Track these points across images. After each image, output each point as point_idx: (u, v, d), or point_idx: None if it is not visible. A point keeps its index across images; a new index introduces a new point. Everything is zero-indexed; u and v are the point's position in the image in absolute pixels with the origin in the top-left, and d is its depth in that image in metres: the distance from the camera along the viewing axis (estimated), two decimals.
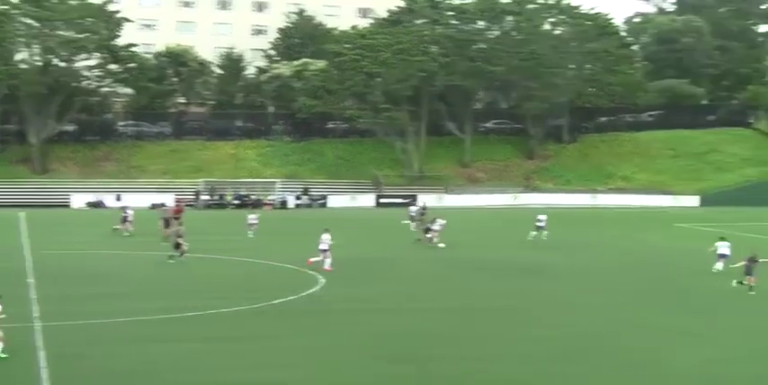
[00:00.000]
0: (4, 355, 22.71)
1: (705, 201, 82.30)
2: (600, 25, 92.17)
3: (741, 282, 34.49)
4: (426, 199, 79.91)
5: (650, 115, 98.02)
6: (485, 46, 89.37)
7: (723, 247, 39.95)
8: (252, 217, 52.97)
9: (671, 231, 60.74)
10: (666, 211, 76.07)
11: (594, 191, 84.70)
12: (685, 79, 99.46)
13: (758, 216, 71.07)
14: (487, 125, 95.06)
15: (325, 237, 38.85)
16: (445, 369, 23.13)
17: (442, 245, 47.29)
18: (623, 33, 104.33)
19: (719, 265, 39.49)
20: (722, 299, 34.01)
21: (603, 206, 79.75)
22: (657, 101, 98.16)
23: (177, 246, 40.26)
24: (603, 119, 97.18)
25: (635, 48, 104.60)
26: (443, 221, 49.02)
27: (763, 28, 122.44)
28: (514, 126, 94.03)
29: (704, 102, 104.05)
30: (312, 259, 38.67)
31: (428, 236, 48.24)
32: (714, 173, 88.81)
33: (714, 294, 35.00)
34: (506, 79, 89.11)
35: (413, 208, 60.13)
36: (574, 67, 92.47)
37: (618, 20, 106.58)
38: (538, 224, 51.87)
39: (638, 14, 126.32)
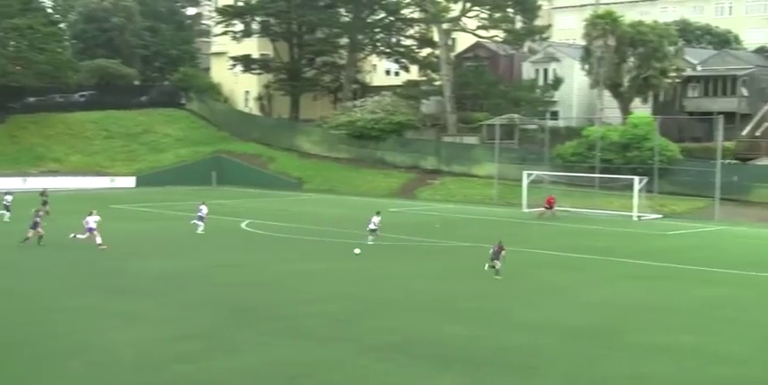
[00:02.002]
0: None
1: (141, 182, 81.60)
2: (23, 1, 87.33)
3: (493, 267, 34.57)
4: None
5: (82, 95, 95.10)
6: None
7: (371, 224, 43.25)
8: None
9: (107, 213, 58.83)
10: (103, 193, 74.18)
11: (25, 174, 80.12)
12: (117, 59, 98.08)
13: (191, 194, 71.97)
14: None
15: (93, 218, 40.05)
16: None
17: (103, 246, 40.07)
18: (50, 10, 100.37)
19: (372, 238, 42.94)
20: (154, 280, 33.17)
21: (35, 189, 75.67)
22: (89, 81, 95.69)
23: None
24: (32, 99, 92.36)
25: (63, 26, 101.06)
26: (97, 218, 41.30)
27: (191, 10, 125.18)
28: None
29: (137, 82, 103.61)
30: (79, 236, 39.90)
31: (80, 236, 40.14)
32: (149, 153, 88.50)
33: (146, 275, 34.11)
34: None
35: (8, 197, 51.54)
36: None
37: None
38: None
39: None
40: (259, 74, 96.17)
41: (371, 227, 43.49)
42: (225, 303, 28.82)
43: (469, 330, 25.71)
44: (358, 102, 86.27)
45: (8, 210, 51.46)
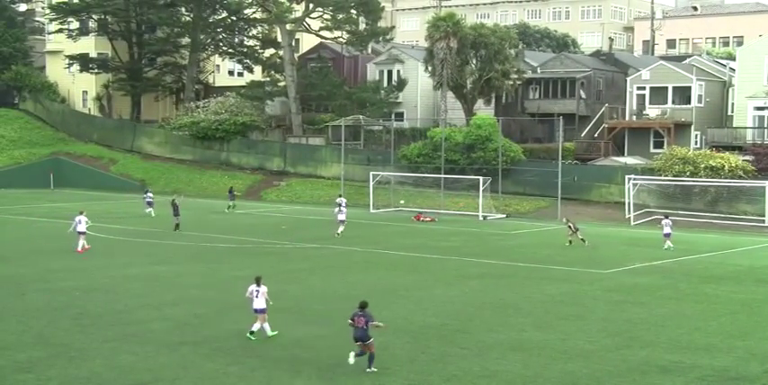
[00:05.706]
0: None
1: None
2: None
3: None
4: None
5: None
6: None
7: (666, 227, 44.47)
8: None
9: None
10: None
11: None
12: None
13: (26, 198, 69.32)
14: None
15: (82, 218, 40.80)
16: None
17: None
18: None
19: (668, 244, 44.17)
20: None
21: None
22: None
23: None
24: None
25: None
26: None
27: (22, 7, 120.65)
28: None
29: None
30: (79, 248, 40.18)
31: None
32: None
33: None
34: None
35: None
36: None
37: None
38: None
39: None
40: (97, 73, 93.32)
41: (667, 230, 44.66)
42: (66, 309, 27.70)
43: (320, 332, 25.44)
44: (201, 103, 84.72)
45: None
